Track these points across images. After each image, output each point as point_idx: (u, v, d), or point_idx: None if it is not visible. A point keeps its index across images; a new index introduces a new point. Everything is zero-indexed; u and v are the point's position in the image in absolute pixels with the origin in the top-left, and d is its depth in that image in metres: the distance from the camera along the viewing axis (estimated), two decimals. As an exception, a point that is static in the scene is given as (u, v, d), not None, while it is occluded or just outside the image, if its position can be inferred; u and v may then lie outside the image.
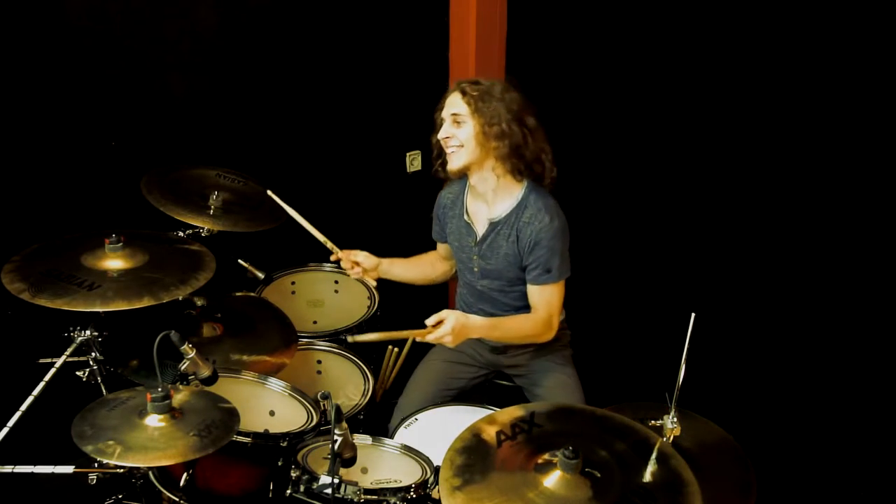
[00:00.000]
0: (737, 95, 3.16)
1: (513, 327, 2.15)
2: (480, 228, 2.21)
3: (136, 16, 2.39)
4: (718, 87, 3.19)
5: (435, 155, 2.27)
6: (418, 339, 2.01)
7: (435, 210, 2.39)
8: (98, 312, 1.96)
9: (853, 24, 2.87)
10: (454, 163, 2.12)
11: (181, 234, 2.23)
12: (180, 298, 1.94)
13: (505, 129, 2.07)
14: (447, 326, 1.95)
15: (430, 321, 1.98)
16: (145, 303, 1.81)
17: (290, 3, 2.66)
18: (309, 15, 2.72)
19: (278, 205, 2.24)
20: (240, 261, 2.44)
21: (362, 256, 2.31)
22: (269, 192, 2.28)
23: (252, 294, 2.47)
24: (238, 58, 2.62)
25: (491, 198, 2.17)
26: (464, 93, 2.10)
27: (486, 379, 2.42)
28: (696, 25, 3.15)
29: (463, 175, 2.19)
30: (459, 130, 2.10)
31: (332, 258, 2.27)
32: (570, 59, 3.27)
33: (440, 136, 2.14)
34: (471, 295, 2.33)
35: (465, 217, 2.24)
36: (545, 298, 2.15)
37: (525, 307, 2.22)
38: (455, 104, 2.11)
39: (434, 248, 2.50)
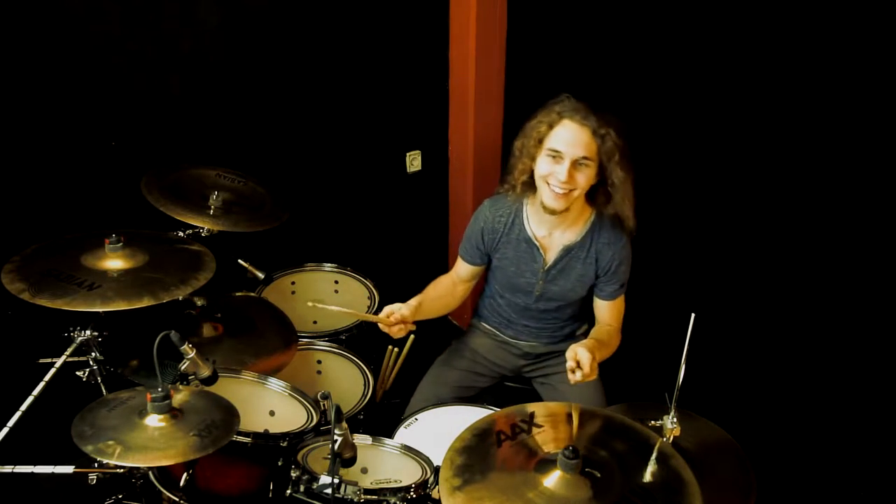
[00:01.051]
0: (737, 96, 3.16)
1: (610, 344, 2.11)
2: (552, 254, 2.13)
3: (136, 16, 2.39)
4: (719, 88, 3.19)
5: (517, 172, 2.05)
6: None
7: (476, 232, 2.19)
8: (98, 312, 1.96)
9: (853, 25, 2.87)
10: (559, 204, 1.96)
11: (181, 234, 2.23)
12: (180, 298, 1.94)
13: (615, 182, 1.97)
14: (587, 365, 1.82)
15: (568, 366, 1.84)
16: (145, 303, 1.81)
17: (290, 3, 2.66)
18: (309, 15, 2.72)
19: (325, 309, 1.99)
20: (240, 261, 2.44)
21: (404, 311, 2.01)
22: (310, 303, 1.98)
23: (252, 294, 2.47)
24: (238, 58, 2.62)
25: (566, 224, 2.10)
26: (596, 135, 1.92)
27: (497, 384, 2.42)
28: (695, 26, 3.16)
29: (517, 192, 2.08)
30: (580, 175, 1.94)
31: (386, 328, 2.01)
32: (571, 59, 3.27)
33: (557, 176, 1.92)
34: (516, 312, 2.28)
35: (533, 242, 2.12)
36: (619, 310, 2.18)
37: (569, 321, 2.26)
38: (584, 145, 1.91)
39: (444, 270, 2.35)
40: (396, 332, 2.00)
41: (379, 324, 2.00)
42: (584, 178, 1.95)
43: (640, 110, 3.35)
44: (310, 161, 2.92)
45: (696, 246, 3.37)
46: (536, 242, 2.13)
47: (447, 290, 2.30)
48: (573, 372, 1.84)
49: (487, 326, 2.40)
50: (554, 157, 1.95)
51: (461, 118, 3.09)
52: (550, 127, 1.96)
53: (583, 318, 2.34)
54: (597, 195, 2.06)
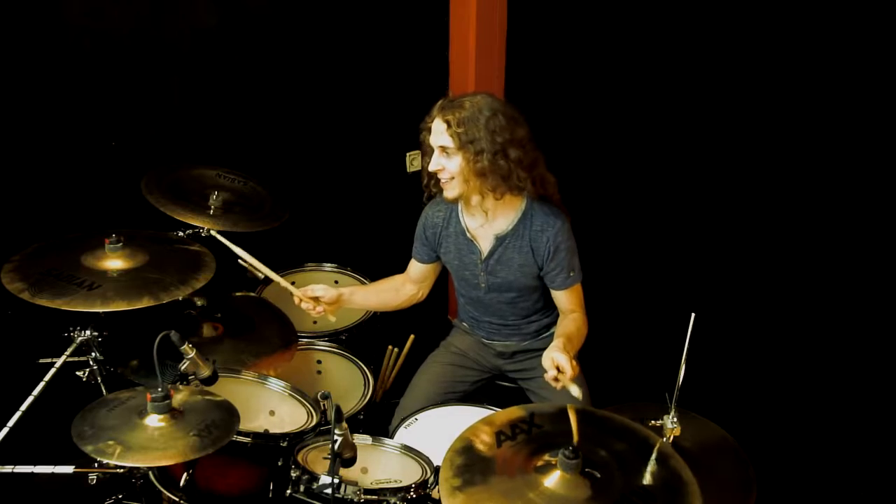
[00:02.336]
0: (737, 97, 3.17)
1: (579, 333, 2.11)
2: (486, 244, 2.16)
3: (136, 16, 2.39)
4: (719, 89, 3.19)
5: (426, 180, 2.18)
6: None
7: (420, 231, 2.27)
8: (98, 312, 1.96)
9: (853, 25, 2.87)
10: (449, 193, 2.06)
11: (181, 234, 2.23)
12: (180, 298, 1.94)
13: (488, 166, 1.98)
14: (567, 367, 1.84)
15: (549, 376, 1.87)
16: (145, 303, 1.81)
17: (290, 3, 2.66)
18: (309, 15, 2.72)
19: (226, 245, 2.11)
20: (240, 261, 2.44)
21: (321, 290, 2.16)
22: (214, 233, 2.15)
23: (252, 294, 2.47)
24: (238, 58, 2.62)
25: (492, 214, 2.12)
26: (448, 124, 1.99)
27: (488, 381, 2.42)
28: (695, 27, 3.16)
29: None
30: (449, 162, 2.02)
31: (296, 300, 2.14)
32: (571, 59, 3.27)
33: (430, 168, 2.06)
34: (476, 309, 2.31)
35: (467, 235, 2.17)
36: (578, 298, 2.18)
37: (531, 316, 2.26)
38: (440, 136, 2.01)
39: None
40: (306, 309, 2.16)
41: (294, 297, 2.15)
42: (454, 164, 2.01)
43: (640, 110, 3.35)
44: (310, 161, 2.92)
45: (696, 246, 3.37)
46: (469, 234, 2.18)
47: (392, 286, 2.36)
48: (556, 379, 1.86)
49: (465, 326, 2.42)
50: (430, 151, 2.08)
51: (461, 118, 3.09)
52: (428, 124, 2.09)
53: (549, 313, 2.31)
54: (516, 188, 2.07)
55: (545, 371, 1.88)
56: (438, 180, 2.10)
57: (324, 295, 2.16)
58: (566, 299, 2.17)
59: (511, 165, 2.00)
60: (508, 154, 1.99)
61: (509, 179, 2.02)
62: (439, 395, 2.27)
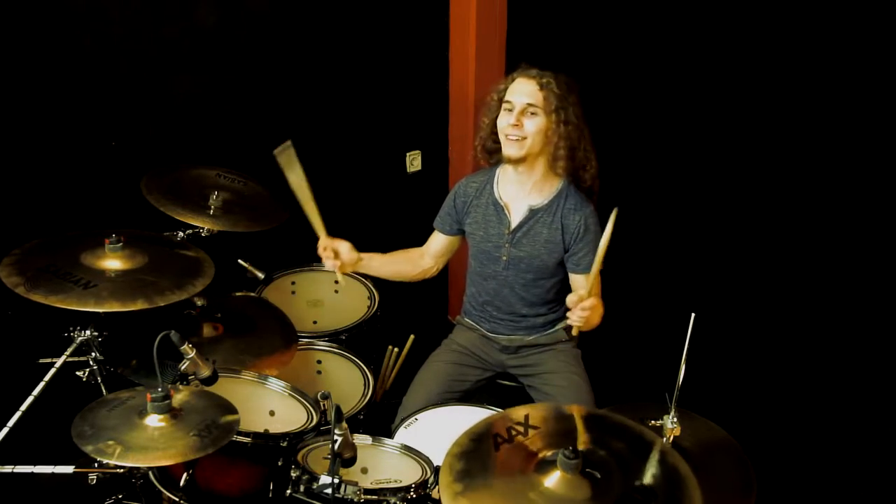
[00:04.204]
0: (737, 97, 3.17)
1: (599, 309, 2.11)
2: (517, 216, 2.21)
3: (136, 16, 2.39)
4: (719, 88, 3.19)
5: (482, 138, 2.23)
6: None
7: (450, 200, 2.33)
8: (98, 312, 1.96)
9: (853, 25, 2.87)
10: (514, 152, 2.10)
11: (181, 234, 2.23)
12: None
13: (571, 133, 2.10)
14: (588, 301, 1.91)
15: (570, 301, 1.94)
16: (139, 305, 1.80)
17: (290, 3, 2.66)
18: (309, 15, 2.72)
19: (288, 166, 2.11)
20: (240, 261, 2.44)
21: (345, 248, 2.21)
22: (277, 152, 2.13)
23: (252, 294, 2.47)
24: (238, 58, 2.62)
25: (531, 186, 2.19)
26: (541, 86, 2.09)
27: (489, 380, 2.42)
28: (695, 26, 3.16)
29: (497, 163, 2.23)
30: (529, 121, 2.09)
31: (320, 247, 2.18)
32: (571, 59, 3.27)
33: (508, 122, 2.09)
34: (487, 293, 2.30)
35: (499, 203, 2.22)
36: (596, 284, 2.15)
37: (541, 307, 2.28)
38: (530, 94, 2.09)
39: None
40: (323, 257, 2.19)
41: (319, 246, 2.17)
42: (534, 126, 2.09)
43: (640, 110, 3.35)
44: (310, 161, 2.91)
45: (696, 246, 3.38)
46: (502, 203, 2.22)
47: (409, 258, 2.43)
48: (573, 312, 1.92)
49: (469, 321, 2.42)
50: (508, 109, 2.12)
51: (461, 118, 3.09)
52: (506, 86, 2.16)
53: (557, 307, 2.31)
54: (567, 169, 2.16)
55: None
56: (493, 141, 2.18)
57: (344, 255, 2.20)
58: (585, 284, 2.16)
59: (583, 143, 2.13)
60: (583, 132, 2.13)
61: (576, 156, 2.14)
62: (441, 394, 2.27)
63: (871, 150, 2.99)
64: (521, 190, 2.20)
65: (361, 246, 3.03)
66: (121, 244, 1.96)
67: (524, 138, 2.09)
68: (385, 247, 3.16)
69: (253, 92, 2.69)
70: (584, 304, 1.92)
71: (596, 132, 3.38)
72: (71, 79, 2.35)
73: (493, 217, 2.24)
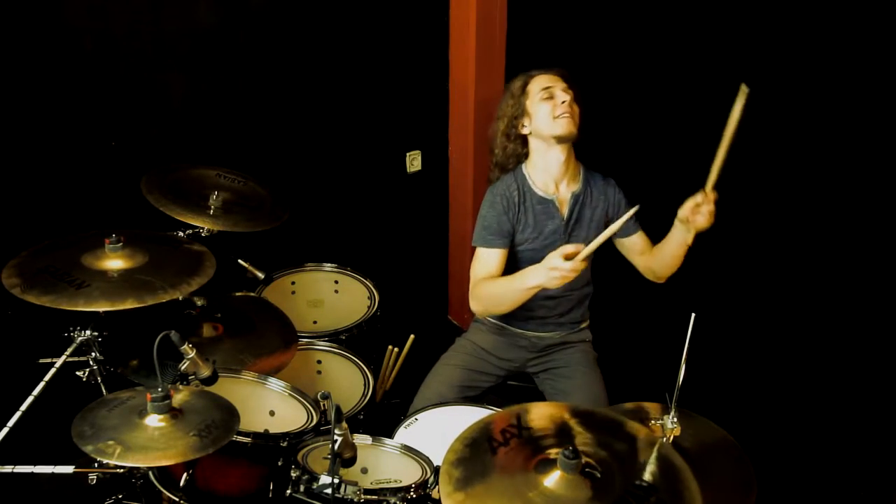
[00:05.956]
0: (736, 96, 3.16)
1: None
2: (565, 207, 2.26)
3: (136, 16, 2.39)
4: (719, 88, 3.19)
5: (503, 144, 2.30)
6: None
7: (498, 212, 2.22)
8: (98, 312, 1.96)
9: (853, 25, 2.87)
10: (570, 127, 2.18)
11: (181, 234, 2.23)
12: (180, 298, 1.94)
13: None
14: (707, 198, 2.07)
15: (707, 209, 2.08)
16: (128, 305, 1.78)
17: (290, 3, 2.66)
18: (309, 15, 2.72)
19: None
20: (240, 261, 2.44)
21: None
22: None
23: (252, 294, 2.47)
24: (238, 58, 2.62)
25: (568, 174, 2.28)
26: (560, 75, 2.26)
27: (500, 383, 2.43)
28: (696, 26, 3.16)
29: (512, 167, 2.29)
30: (571, 100, 2.20)
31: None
32: (571, 59, 3.27)
33: (562, 100, 2.18)
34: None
35: (547, 198, 2.25)
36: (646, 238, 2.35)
37: (586, 286, 2.38)
38: (561, 80, 2.24)
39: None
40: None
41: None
42: (575, 104, 2.22)
43: (640, 109, 3.35)
44: (310, 161, 2.92)
45: (696, 246, 3.37)
46: (549, 198, 2.26)
47: None
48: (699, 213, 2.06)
49: (493, 321, 2.40)
50: (548, 94, 2.22)
51: (461, 118, 3.09)
52: (526, 84, 2.28)
53: (587, 303, 2.43)
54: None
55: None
56: (513, 147, 2.27)
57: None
58: (643, 238, 2.34)
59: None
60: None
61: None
62: (453, 399, 2.26)
63: (871, 150, 2.99)
64: (560, 180, 2.27)
65: (361, 246, 3.04)
66: (121, 244, 1.96)
67: (573, 112, 2.19)
68: (385, 247, 3.17)
69: (253, 92, 2.69)
70: (709, 203, 2.06)
71: (596, 132, 3.39)
72: (71, 79, 2.35)
73: (543, 215, 2.25)
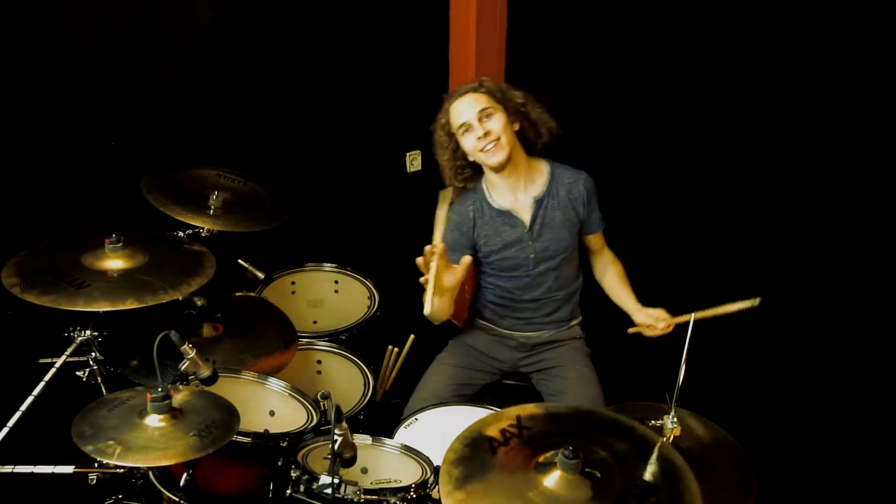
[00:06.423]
0: (737, 96, 3.16)
1: (625, 274, 2.40)
2: (526, 214, 2.23)
3: (136, 16, 2.39)
4: (719, 88, 3.19)
5: (453, 172, 2.25)
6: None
7: (453, 230, 2.24)
8: (98, 312, 1.95)
9: (854, 25, 2.87)
10: (498, 157, 2.12)
11: (181, 234, 2.23)
12: (180, 299, 1.94)
13: (518, 103, 2.17)
14: (657, 312, 2.19)
15: (661, 327, 2.18)
16: (128, 305, 1.79)
17: (290, 3, 2.66)
18: (309, 15, 2.72)
19: None
20: (240, 261, 2.44)
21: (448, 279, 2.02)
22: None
23: (252, 294, 2.47)
24: (238, 58, 2.62)
25: (525, 181, 2.22)
26: (476, 90, 2.15)
27: (495, 381, 2.42)
28: (697, 25, 3.16)
29: (478, 181, 2.25)
30: (492, 122, 2.12)
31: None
32: (571, 59, 3.27)
33: (475, 136, 2.10)
34: (518, 288, 2.27)
35: (503, 210, 2.23)
36: (603, 238, 2.40)
37: (569, 284, 2.34)
38: (476, 103, 2.13)
39: None
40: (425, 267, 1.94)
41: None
42: (499, 124, 2.12)
43: (640, 109, 3.35)
44: (310, 161, 2.92)
45: (696, 246, 3.37)
46: (507, 209, 2.24)
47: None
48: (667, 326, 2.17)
49: (482, 322, 2.41)
50: (465, 129, 2.15)
51: (461, 118, 3.08)
52: (447, 116, 2.21)
53: (575, 301, 2.40)
54: (541, 139, 2.24)
55: (648, 326, 2.21)
56: (461, 172, 2.23)
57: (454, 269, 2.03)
58: (599, 239, 2.39)
59: (535, 107, 2.21)
60: (528, 98, 2.20)
61: (537, 122, 2.20)
62: (448, 398, 2.27)
63: (871, 150, 2.99)
64: (517, 189, 2.22)
65: (360, 246, 3.04)
66: (121, 244, 1.96)
67: (498, 139, 2.11)
68: (384, 246, 3.17)
69: (253, 92, 2.69)
70: (660, 319, 2.17)
71: (597, 131, 3.39)
72: (71, 79, 2.35)
73: (504, 226, 2.24)
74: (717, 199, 3.36)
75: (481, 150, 2.13)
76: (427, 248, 1.91)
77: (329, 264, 2.70)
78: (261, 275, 2.48)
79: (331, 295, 2.71)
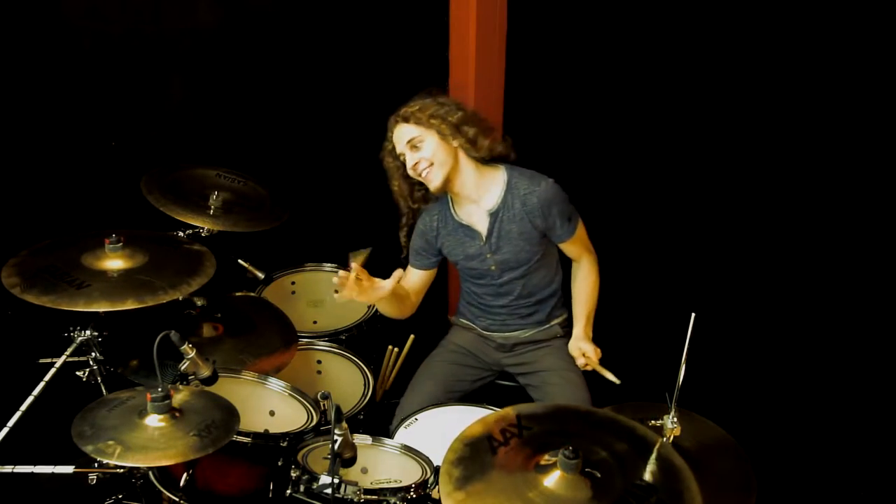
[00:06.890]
0: (737, 96, 3.16)
1: (595, 286, 2.34)
2: (482, 226, 2.22)
3: (136, 16, 2.39)
4: (719, 88, 3.19)
5: (409, 195, 2.29)
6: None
7: (419, 237, 2.31)
8: (98, 312, 1.96)
9: (854, 24, 2.87)
10: (435, 181, 2.14)
11: (181, 234, 2.23)
12: (180, 298, 1.94)
13: (453, 121, 2.14)
14: (592, 354, 2.20)
15: (580, 363, 2.21)
16: (128, 305, 1.80)
17: (290, 3, 2.66)
18: (309, 15, 2.72)
19: None
20: (240, 261, 2.44)
21: (382, 286, 2.08)
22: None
23: (252, 294, 2.47)
24: (238, 58, 2.62)
25: (479, 193, 2.20)
26: (405, 119, 2.16)
27: (489, 381, 2.42)
28: (696, 26, 3.16)
29: (442, 193, 2.24)
30: (423, 150, 2.13)
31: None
32: (571, 59, 3.27)
33: (409, 165, 2.15)
34: (488, 294, 2.31)
35: (463, 223, 2.23)
36: (583, 242, 2.30)
37: (542, 290, 2.30)
38: (404, 133, 2.15)
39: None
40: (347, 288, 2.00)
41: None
42: (430, 150, 2.13)
43: (640, 110, 3.35)
44: (310, 161, 2.92)
45: (696, 246, 3.37)
46: (465, 223, 2.24)
47: (406, 299, 2.30)
48: (586, 365, 2.19)
49: (465, 322, 2.43)
50: (403, 159, 2.19)
51: (461, 118, 3.08)
52: (392, 146, 2.23)
53: (553, 302, 2.36)
54: (488, 149, 2.20)
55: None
56: (417, 192, 2.26)
57: (380, 286, 2.07)
58: (574, 248, 2.28)
59: (466, 114, 2.19)
60: (462, 107, 2.20)
61: (478, 133, 2.17)
62: (440, 395, 2.27)
63: (871, 150, 2.99)
64: (473, 202, 2.22)
65: (360, 246, 3.03)
66: (121, 244, 1.96)
67: (431, 164, 2.13)
68: (384, 247, 3.15)
69: (253, 92, 2.69)
70: (584, 361, 2.20)
71: (597, 131, 3.39)
72: (71, 79, 2.35)
73: (464, 237, 2.25)
74: (719, 198, 3.36)
75: (419, 175, 2.17)
76: (335, 280, 2.00)
77: (329, 264, 2.70)
78: (261, 275, 2.48)
79: (331, 295, 2.71)
